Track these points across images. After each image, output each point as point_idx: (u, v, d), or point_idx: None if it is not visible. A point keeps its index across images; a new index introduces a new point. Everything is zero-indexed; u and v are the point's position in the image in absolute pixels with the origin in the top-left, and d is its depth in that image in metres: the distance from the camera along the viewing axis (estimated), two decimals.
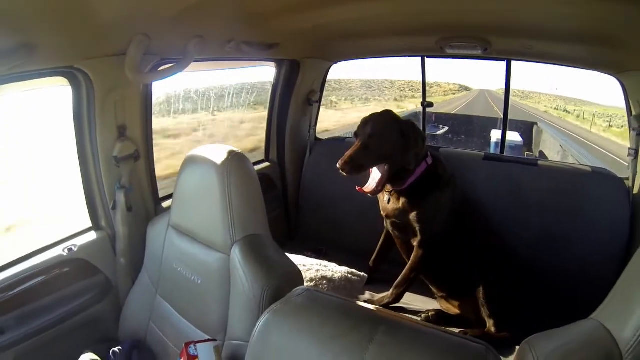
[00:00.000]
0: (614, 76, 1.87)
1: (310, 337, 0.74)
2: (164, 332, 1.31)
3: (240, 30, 1.52)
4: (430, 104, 2.61)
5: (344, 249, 2.20)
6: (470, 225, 1.79)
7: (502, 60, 2.22)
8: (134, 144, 1.45)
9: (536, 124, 5.73)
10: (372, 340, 0.69)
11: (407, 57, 2.49)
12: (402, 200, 1.72)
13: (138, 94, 1.43)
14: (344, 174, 1.61)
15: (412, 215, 1.69)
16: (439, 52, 2.02)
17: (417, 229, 1.70)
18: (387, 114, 1.73)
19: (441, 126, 5.05)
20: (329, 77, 2.56)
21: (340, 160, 1.60)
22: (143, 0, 1.08)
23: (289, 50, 2.07)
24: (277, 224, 2.35)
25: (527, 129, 5.35)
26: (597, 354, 0.68)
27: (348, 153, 1.62)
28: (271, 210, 2.10)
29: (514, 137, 4.62)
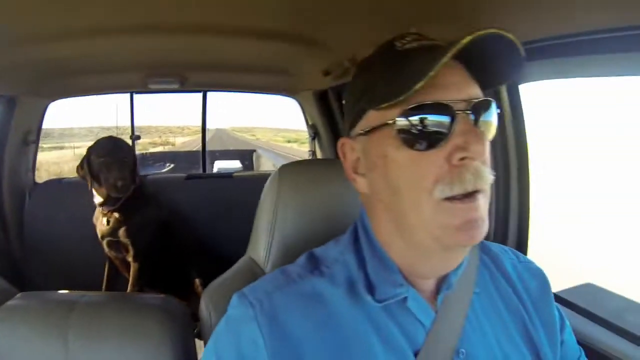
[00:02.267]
0: (293, 97, 2.42)
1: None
2: None
3: None
4: (138, 137, 2.75)
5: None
6: (180, 237, 2.11)
7: (199, 92, 2.51)
8: None
9: (255, 151, 6.62)
10: (69, 324, 0.80)
11: (117, 94, 2.52)
12: (114, 216, 1.84)
13: None
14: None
15: (122, 231, 1.84)
16: (145, 88, 2.13)
17: (129, 242, 1.85)
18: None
19: (167, 164, 5.18)
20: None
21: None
22: None
23: (3, 86, 1.83)
24: None
25: (248, 155, 6.13)
26: (243, 276, 0.83)
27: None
28: None
29: (234, 164, 5.25)
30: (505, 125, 1.14)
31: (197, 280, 1.99)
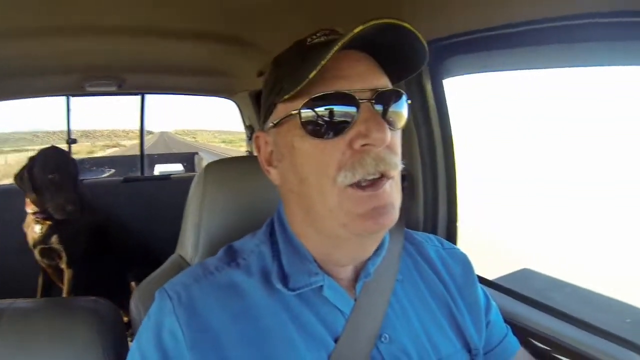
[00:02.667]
0: (230, 99, 2.46)
1: None
2: None
3: None
4: (74, 140, 2.64)
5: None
6: (117, 241, 2.09)
7: (137, 94, 2.48)
8: None
9: (197, 153, 6.44)
10: None
11: (53, 97, 2.40)
12: (47, 223, 1.78)
13: None
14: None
15: (55, 238, 1.79)
16: (81, 91, 2.07)
17: (62, 249, 1.81)
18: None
19: (107, 169, 4.92)
20: None
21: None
22: None
23: None
24: None
25: (189, 158, 5.98)
26: (171, 273, 0.78)
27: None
28: None
29: (176, 167, 5.12)
30: (430, 118, 1.17)
31: (132, 284, 1.96)
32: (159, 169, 4.69)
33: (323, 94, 0.53)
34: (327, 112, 0.53)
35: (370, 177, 0.53)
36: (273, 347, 0.56)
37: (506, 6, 0.83)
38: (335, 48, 0.48)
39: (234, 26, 1.28)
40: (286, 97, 0.54)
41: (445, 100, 1.20)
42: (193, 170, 5.56)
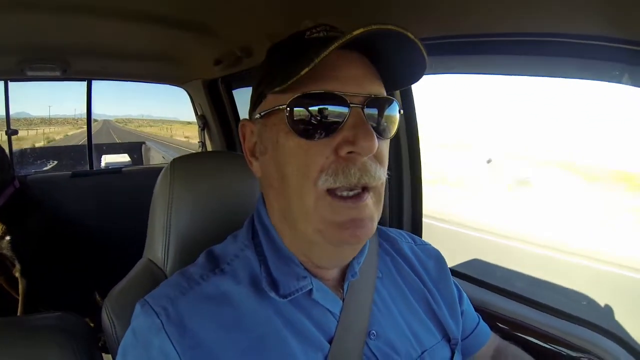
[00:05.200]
0: (181, 87, 2.38)
1: None
2: None
3: None
4: (15, 132, 2.41)
5: None
6: (70, 242, 1.94)
7: (83, 80, 2.33)
8: None
9: (144, 143, 6.18)
10: None
11: None
12: None
13: None
14: None
15: (5, 243, 1.64)
16: (21, 75, 1.90)
17: (14, 256, 1.65)
18: None
19: (50, 161, 4.61)
20: None
21: None
22: None
23: None
24: None
25: (136, 148, 5.75)
26: (144, 280, 0.80)
27: None
28: None
29: (123, 158, 4.91)
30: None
31: (96, 296, 1.85)
32: (106, 159, 4.46)
33: (313, 92, 0.51)
34: (315, 112, 0.51)
35: (352, 193, 0.52)
36: (270, 355, 0.55)
37: (470, 18, 0.86)
38: (331, 47, 0.47)
39: (191, 10, 1.23)
40: (277, 89, 0.52)
41: (412, 100, 1.23)
42: (141, 161, 5.33)
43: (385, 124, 0.55)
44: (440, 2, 0.84)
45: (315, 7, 0.99)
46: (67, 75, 1.97)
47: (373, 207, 0.54)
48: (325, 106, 0.51)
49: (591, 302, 2.06)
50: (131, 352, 0.55)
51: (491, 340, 0.82)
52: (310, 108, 0.51)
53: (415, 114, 1.26)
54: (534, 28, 0.81)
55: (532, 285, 2.88)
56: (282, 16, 1.02)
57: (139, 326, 0.56)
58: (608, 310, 1.70)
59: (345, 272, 0.63)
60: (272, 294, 0.57)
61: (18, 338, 0.73)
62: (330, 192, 0.52)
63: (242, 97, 2.14)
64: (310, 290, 0.59)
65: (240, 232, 0.66)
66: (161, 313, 0.55)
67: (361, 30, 0.46)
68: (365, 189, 0.53)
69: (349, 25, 0.49)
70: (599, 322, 0.96)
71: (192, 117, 2.51)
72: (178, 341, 0.53)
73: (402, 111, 0.58)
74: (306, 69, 0.48)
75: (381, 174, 0.54)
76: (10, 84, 2.24)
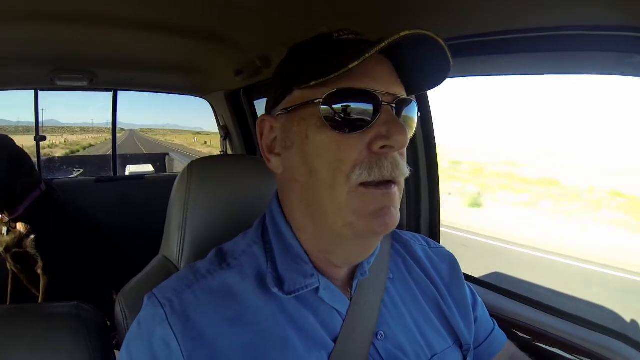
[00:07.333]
0: (204, 98, 2.42)
1: None
2: None
3: None
4: (43, 138, 2.48)
5: None
6: (92, 243, 2.00)
7: (109, 91, 2.40)
8: None
9: (168, 154, 6.32)
10: None
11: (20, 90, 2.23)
12: (19, 226, 1.70)
13: None
14: None
15: (30, 241, 1.70)
16: (50, 85, 1.98)
17: (38, 254, 1.72)
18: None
19: (75, 169, 4.77)
20: None
21: None
22: None
23: None
24: None
25: (160, 159, 5.88)
26: (157, 275, 0.82)
27: None
28: None
29: (147, 168, 5.03)
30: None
31: (113, 293, 1.90)
32: (131, 169, 4.59)
33: (352, 88, 0.53)
34: (350, 107, 0.52)
35: (382, 180, 0.53)
36: (272, 351, 0.55)
37: (482, 16, 0.85)
38: (382, 45, 0.49)
39: (212, 22, 1.26)
40: (313, 83, 0.53)
41: (428, 103, 1.22)
42: (164, 170, 5.46)
43: (407, 122, 0.57)
44: (450, 3, 0.84)
45: (328, 15, 1.00)
46: (94, 85, 2.04)
47: (397, 198, 0.55)
48: (359, 103, 0.52)
49: None
50: (135, 342, 0.56)
51: (506, 348, 0.79)
52: (345, 103, 0.52)
53: (431, 117, 1.26)
54: (550, 22, 0.79)
55: None
56: (299, 24, 1.03)
57: (144, 317, 0.57)
58: None
59: (354, 272, 0.63)
60: (275, 290, 0.57)
61: (33, 322, 0.77)
62: (362, 185, 0.52)
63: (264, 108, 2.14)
64: (317, 289, 0.59)
65: (251, 230, 0.67)
66: (166, 304, 0.56)
67: (406, 32, 0.48)
68: (391, 181, 0.54)
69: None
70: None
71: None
72: (180, 332, 0.53)
73: (419, 114, 0.60)
74: (355, 63, 0.49)
75: (406, 169, 0.56)
76: (40, 93, 2.31)
